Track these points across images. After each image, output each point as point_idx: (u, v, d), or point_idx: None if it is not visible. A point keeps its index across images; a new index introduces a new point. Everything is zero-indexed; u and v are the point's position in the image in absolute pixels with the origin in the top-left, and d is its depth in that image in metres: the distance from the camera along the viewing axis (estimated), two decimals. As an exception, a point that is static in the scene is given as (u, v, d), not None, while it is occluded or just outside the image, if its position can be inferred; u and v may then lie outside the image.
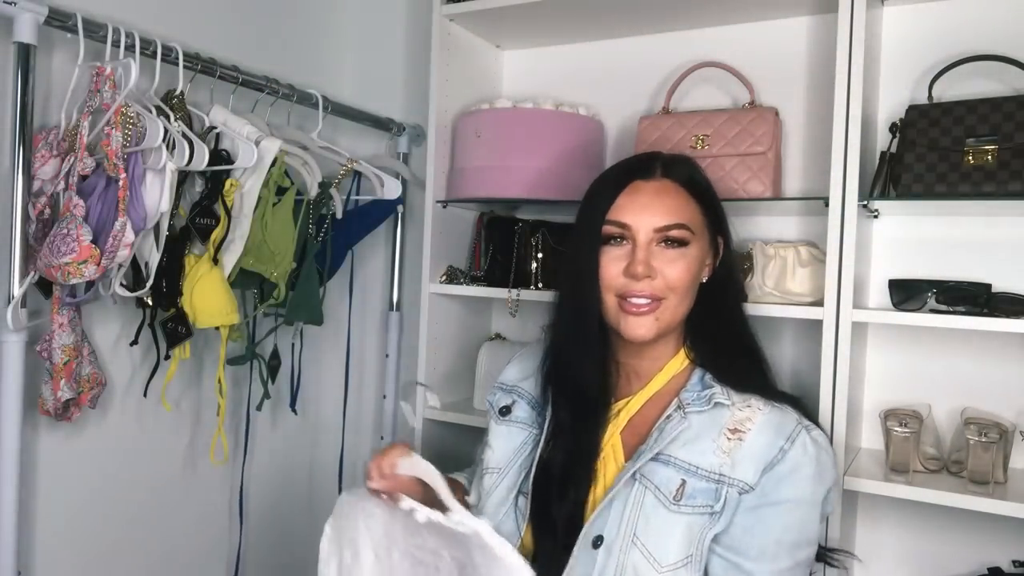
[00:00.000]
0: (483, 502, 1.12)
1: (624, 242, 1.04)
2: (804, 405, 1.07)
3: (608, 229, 1.05)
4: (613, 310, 1.05)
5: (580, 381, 1.09)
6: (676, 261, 1.03)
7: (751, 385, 1.05)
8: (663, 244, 1.04)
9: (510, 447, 1.14)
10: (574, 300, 1.10)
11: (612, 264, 1.04)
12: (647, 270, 1.02)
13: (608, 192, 1.07)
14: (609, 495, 1.00)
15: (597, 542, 0.98)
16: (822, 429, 1.04)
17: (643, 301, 1.02)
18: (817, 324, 1.35)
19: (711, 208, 1.10)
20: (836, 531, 1.31)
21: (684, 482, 0.98)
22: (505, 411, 1.18)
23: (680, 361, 1.09)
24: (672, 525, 0.96)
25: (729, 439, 0.99)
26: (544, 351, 1.16)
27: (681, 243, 1.04)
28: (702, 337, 1.10)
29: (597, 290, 1.05)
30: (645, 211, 1.04)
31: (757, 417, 1.00)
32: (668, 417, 1.03)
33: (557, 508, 1.04)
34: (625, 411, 1.08)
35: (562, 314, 1.12)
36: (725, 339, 1.10)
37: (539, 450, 1.10)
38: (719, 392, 1.03)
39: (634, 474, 1.00)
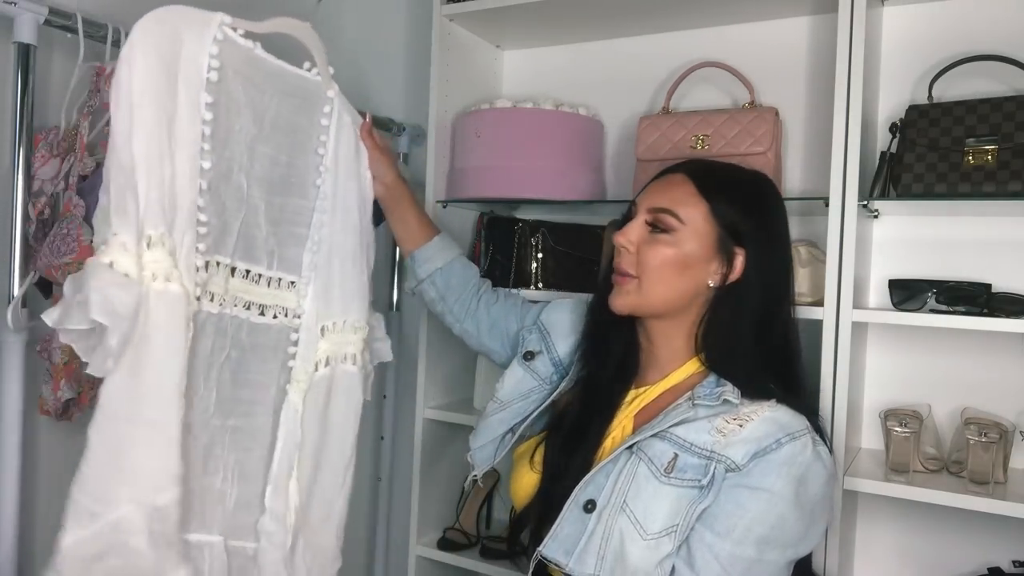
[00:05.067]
0: (479, 422, 1.25)
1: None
2: (822, 427, 1.06)
3: (630, 209, 1.14)
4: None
5: (609, 347, 1.15)
6: (655, 244, 1.07)
7: (768, 393, 1.03)
8: (651, 227, 1.08)
9: (518, 389, 1.23)
10: (601, 277, 1.20)
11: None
12: (625, 240, 1.09)
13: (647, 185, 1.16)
14: (604, 462, 1.04)
15: (588, 506, 1.01)
16: (831, 451, 1.03)
17: (622, 275, 1.09)
18: (817, 324, 1.35)
19: (730, 220, 1.07)
20: (836, 531, 1.31)
21: (676, 456, 1.00)
22: (529, 356, 1.26)
23: (696, 365, 1.10)
24: (661, 496, 0.98)
25: (728, 423, 1.00)
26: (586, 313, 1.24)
27: (664, 229, 1.07)
28: (715, 347, 1.08)
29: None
30: (650, 193, 1.11)
31: (764, 412, 1.00)
32: (677, 405, 1.05)
33: (565, 460, 1.09)
34: (641, 398, 1.11)
35: (599, 293, 1.20)
36: (743, 352, 1.07)
37: (556, 396, 1.19)
38: (730, 390, 1.03)
39: (631, 446, 1.03)
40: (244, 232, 1.06)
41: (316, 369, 1.15)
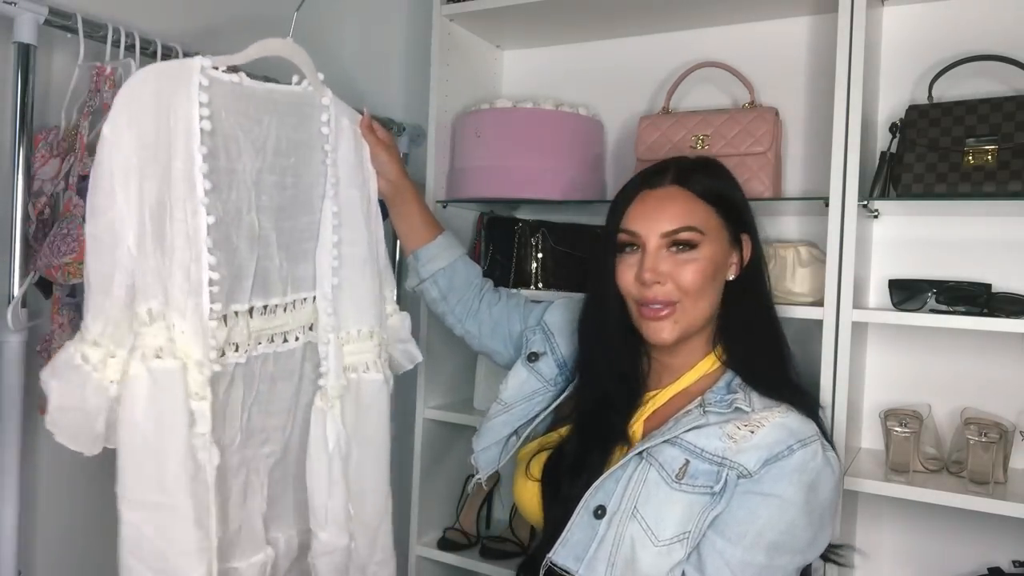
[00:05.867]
0: (483, 424, 1.24)
1: (636, 250, 1.08)
2: (824, 427, 1.07)
3: (622, 237, 1.09)
4: (635, 316, 1.09)
5: (608, 377, 1.13)
6: (686, 264, 1.05)
7: (780, 395, 1.04)
8: (672, 248, 1.06)
9: (521, 391, 1.22)
10: (598, 304, 1.15)
11: (627, 271, 1.08)
12: (655, 276, 1.04)
13: (623, 203, 1.11)
14: (614, 467, 1.03)
15: (599, 512, 1.01)
16: (838, 456, 1.04)
17: (658, 306, 1.05)
18: (817, 324, 1.35)
19: (729, 208, 1.10)
20: (836, 531, 1.31)
21: (688, 462, 0.99)
22: (533, 357, 1.25)
23: (711, 362, 1.10)
24: (672, 502, 0.97)
25: (739, 429, 1.00)
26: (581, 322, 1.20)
27: (689, 245, 1.05)
28: (733, 338, 1.10)
29: (616, 296, 1.10)
30: (651, 217, 1.07)
31: (775, 418, 1.00)
32: (688, 411, 1.05)
33: (568, 488, 1.07)
34: (652, 402, 1.11)
35: (589, 313, 1.17)
36: (756, 341, 1.10)
37: (562, 401, 1.18)
38: (741, 398, 1.03)
39: (642, 452, 1.02)
40: (260, 269, 1.04)
41: (344, 379, 1.14)
